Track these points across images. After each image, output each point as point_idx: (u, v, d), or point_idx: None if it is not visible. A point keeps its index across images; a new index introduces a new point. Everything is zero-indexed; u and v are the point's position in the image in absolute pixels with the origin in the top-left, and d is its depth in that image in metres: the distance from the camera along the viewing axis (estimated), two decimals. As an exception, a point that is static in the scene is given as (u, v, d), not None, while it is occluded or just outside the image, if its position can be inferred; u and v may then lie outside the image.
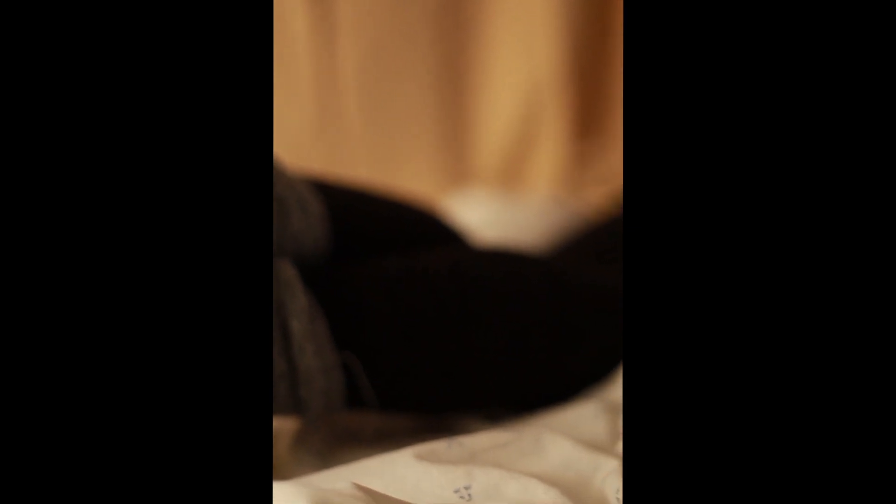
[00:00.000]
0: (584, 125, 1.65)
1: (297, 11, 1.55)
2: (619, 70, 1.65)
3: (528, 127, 1.63)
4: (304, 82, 1.58)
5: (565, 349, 0.92)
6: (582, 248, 1.17)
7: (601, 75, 1.65)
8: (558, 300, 0.92)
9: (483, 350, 0.89)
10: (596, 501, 0.71)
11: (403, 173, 1.61)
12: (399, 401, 0.88)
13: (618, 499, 0.69)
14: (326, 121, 1.60)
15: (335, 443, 0.91)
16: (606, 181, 1.58)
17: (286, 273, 0.83)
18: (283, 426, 0.88)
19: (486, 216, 1.46)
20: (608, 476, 0.72)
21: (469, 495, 0.70)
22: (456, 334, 0.88)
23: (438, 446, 0.75)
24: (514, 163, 1.64)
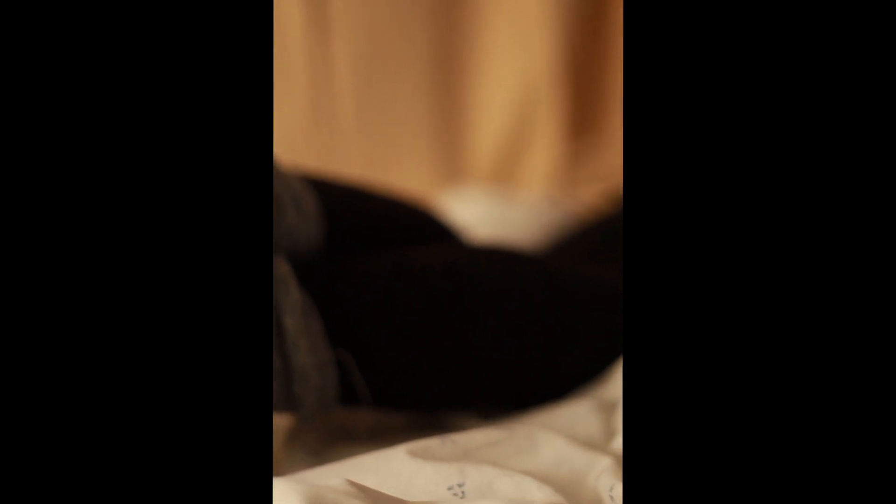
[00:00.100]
0: (578, 124, 1.65)
1: (291, 9, 1.55)
2: (613, 69, 1.65)
3: (522, 125, 1.63)
4: (298, 80, 1.58)
5: (560, 347, 0.92)
6: (576, 246, 1.17)
7: (595, 74, 1.66)
8: (553, 298, 0.92)
9: (477, 348, 0.89)
10: (589, 499, 0.71)
11: (398, 171, 1.61)
12: (393, 398, 0.88)
13: (611, 496, 0.70)
14: (321, 118, 1.60)
15: (329, 439, 0.91)
16: (601, 180, 1.58)
17: (280, 270, 0.83)
18: (278, 423, 0.88)
19: (481, 214, 1.46)
20: (602, 474, 0.72)
21: (462, 492, 0.70)
22: (450, 332, 0.88)
23: (432, 443, 0.75)
24: (508, 161, 1.64)
